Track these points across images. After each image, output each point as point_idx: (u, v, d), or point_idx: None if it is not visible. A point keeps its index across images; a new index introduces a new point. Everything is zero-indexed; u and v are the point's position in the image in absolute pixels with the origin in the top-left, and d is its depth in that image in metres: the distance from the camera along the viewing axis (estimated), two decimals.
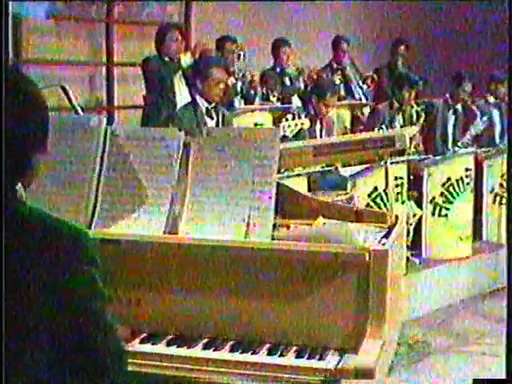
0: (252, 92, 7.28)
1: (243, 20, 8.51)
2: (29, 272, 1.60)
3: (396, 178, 5.59)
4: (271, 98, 7.24)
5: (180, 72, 6.27)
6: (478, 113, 7.29)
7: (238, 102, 7.15)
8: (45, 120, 1.71)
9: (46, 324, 1.61)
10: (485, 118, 7.01)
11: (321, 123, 6.11)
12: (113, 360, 1.71)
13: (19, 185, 1.68)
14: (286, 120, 4.85)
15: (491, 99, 7.66)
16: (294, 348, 2.44)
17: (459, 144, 6.76)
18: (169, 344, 2.47)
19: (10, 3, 6.28)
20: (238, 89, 7.21)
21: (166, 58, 6.43)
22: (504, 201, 6.40)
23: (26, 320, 1.59)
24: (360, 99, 8.01)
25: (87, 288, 1.67)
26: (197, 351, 2.43)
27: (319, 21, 9.31)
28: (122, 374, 1.75)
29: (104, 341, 1.69)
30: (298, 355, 2.39)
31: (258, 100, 7.32)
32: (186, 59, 6.23)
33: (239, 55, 7.10)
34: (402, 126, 6.57)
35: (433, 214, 5.99)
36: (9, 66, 1.70)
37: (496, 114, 7.53)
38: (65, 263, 1.63)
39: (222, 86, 5.19)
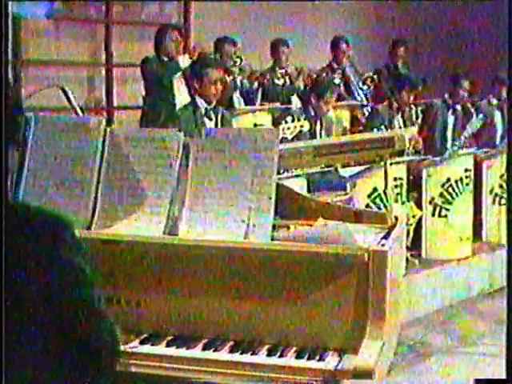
0: (255, 85, 7.27)
1: (242, 20, 8.51)
2: (15, 262, 1.60)
3: (395, 179, 5.59)
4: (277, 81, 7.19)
5: (180, 73, 6.27)
6: (474, 111, 7.29)
7: (238, 103, 7.15)
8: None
9: (36, 313, 1.61)
10: (480, 116, 6.99)
11: (321, 123, 6.11)
12: (105, 345, 1.71)
13: None
14: (286, 122, 4.84)
15: (494, 101, 7.63)
16: (294, 349, 2.44)
17: (456, 143, 6.76)
18: (168, 345, 2.47)
19: (10, 3, 6.28)
20: (238, 83, 7.20)
21: (165, 59, 6.43)
22: (503, 201, 6.40)
23: (16, 310, 1.59)
24: (361, 100, 8.01)
25: (72, 275, 1.68)
26: (196, 352, 2.43)
27: (319, 21, 9.31)
28: (116, 359, 1.75)
29: (94, 326, 1.69)
30: (298, 356, 2.39)
31: (258, 98, 7.32)
32: (185, 60, 6.24)
33: (235, 62, 7.09)
34: (401, 127, 6.57)
35: (432, 214, 5.99)
36: None
37: (498, 115, 7.52)
38: (47, 251, 1.63)
39: (218, 85, 5.18)
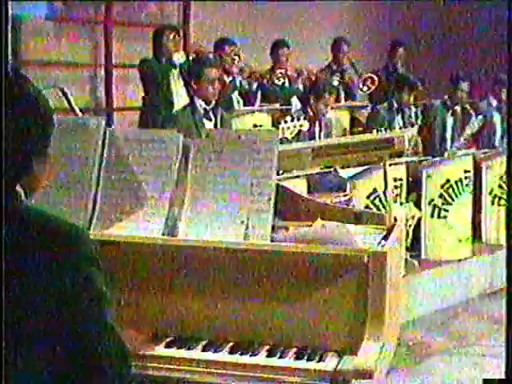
0: (254, 86, 7.27)
1: (242, 21, 8.51)
2: (25, 272, 1.57)
3: (395, 180, 5.59)
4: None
5: (178, 73, 6.27)
6: (473, 112, 7.29)
7: (237, 104, 7.15)
8: (45, 124, 1.69)
9: (44, 326, 1.58)
10: (480, 117, 6.99)
11: (319, 124, 6.11)
12: (115, 364, 1.68)
13: (18, 187, 1.66)
14: (285, 122, 4.83)
15: (494, 102, 7.63)
16: (294, 350, 2.44)
17: (455, 144, 6.76)
18: (168, 346, 2.47)
19: (10, 4, 6.27)
20: (238, 84, 7.19)
21: (164, 59, 6.43)
22: (503, 202, 6.40)
23: (22, 321, 1.57)
24: (360, 101, 8.01)
25: (85, 289, 1.64)
26: (196, 353, 2.43)
27: (319, 22, 9.32)
28: (126, 377, 1.73)
29: (105, 344, 1.66)
30: (298, 357, 2.39)
31: (258, 98, 7.32)
32: (179, 57, 6.25)
33: (233, 60, 7.09)
34: (401, 128, 6.57)
35: (432, 215, 5.99)
36: (13, 68, 1.70)
37: (497, 117, 7.51)
38: (62, 263, 1.60)
39: (216, 84, 5.18)
